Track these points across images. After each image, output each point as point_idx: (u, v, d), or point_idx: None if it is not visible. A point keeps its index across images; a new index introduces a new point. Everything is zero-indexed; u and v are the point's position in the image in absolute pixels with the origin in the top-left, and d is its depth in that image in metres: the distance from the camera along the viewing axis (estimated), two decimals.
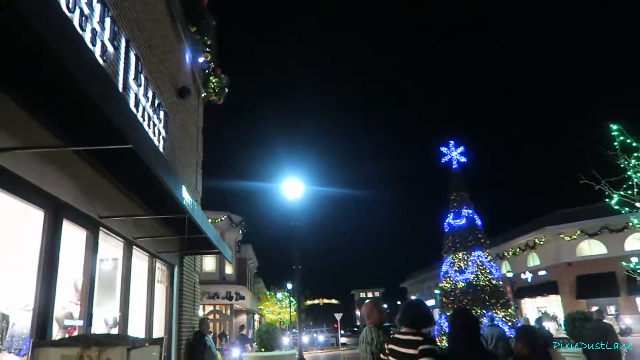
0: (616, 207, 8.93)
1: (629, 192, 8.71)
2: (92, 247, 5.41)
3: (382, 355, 3.96)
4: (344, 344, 37.99)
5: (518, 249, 45.16)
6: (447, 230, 23.81)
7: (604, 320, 8.19)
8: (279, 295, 42.79)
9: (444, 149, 24.45)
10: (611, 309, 36.97)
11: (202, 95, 11.99)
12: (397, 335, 3.82)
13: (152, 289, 7.80)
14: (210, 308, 31.86)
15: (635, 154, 8.62)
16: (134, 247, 6.84)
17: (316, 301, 64.68)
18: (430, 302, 59.06)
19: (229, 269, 33.11)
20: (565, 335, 11.21)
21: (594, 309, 31.77)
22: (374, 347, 4.26)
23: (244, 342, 15.87)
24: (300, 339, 11.52)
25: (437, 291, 31.95)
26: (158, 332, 8.11)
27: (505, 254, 46.48)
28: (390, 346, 3.78)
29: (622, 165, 8.72)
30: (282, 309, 41.93)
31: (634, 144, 8.64)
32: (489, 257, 24.03)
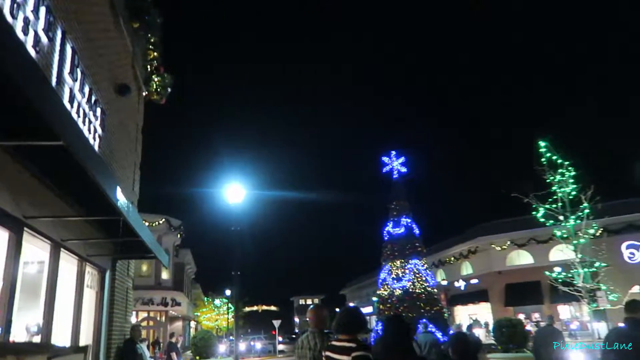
0: (542, 220, 9.49)
1: (554, 205, 9.28)
2: (14, 248, 5.07)
3: None
4: (281, 351, 37.76)
5: (453, 258, 46.87)
6: (386, 238, 24.35)
7: (554, 325, 8.69)
8: (217, 301, 41.90)
9: (385, 159, 25.06)
10: (536, 316, 39.07)
11: (144, 93, 11.60)
12: (333, 342, 3.85)
13: (80, 294, 7.41)
14: (144, 314, 30.70)
15: (560, 170, 9.22)
16: (62, 249, 6.48)
17: (255, 308, 63.92)
18: (368, 309, 59.91)
19: (165, 274, 32.09)
20: (493, 341, 11.72)
21: (521, 315, 33.26)
22: (317, 353, 4.21)
23: (170, 350, 15.22)
24: (236, 347, 11.32)
25: (374, 298, 32.51)
26: (85, 339, 7.71)
27: (441, 263, 48.10)
28: (327, 353, 3.79)
29: (548, 180, 9.30)
30: (219, 316, 41.06)
31: (559, 161, 9.24)
32: (425, 265, 24.79)
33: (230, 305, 40.13)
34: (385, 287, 24.20)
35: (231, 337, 45.82)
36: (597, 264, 9.53)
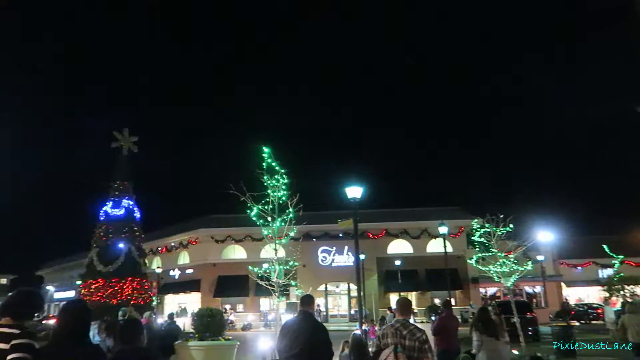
0: (254, 219, 10.36)
1: (266, 207, 10.25)
2: None
3: None
4: None
5: (172, 246, 46.72)
6: (102, 218, 22.61)
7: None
8: None
9: (117, 134, 23.28)
10: (239, 307, 42.16)
11: None
12: None
13: None
14: None
15: (276, 176, 10.27)
16: None
17: None
18: (70, 294, 54.49)
19: None
20: (192, 330, 12.18)
21: (227, 306, 35.31)
22: None
23: None
24: None
25: (78, 282, 29.74)
26: None
27: (160, 250, 47.35)
28: None
29: (265, 184, 10.23)
30: None
31: (277, 168, 10.30)
32: (141, 251, 23.97)
33: None
34: (92, 269, 22.42)
35: None
36: (291, 263, 10.88)
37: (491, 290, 40.66)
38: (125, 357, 3.61)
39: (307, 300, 6.04)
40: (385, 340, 5.01)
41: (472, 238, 17.16)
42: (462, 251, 38.33)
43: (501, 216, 14.94)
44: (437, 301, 30.82)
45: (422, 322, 24.28)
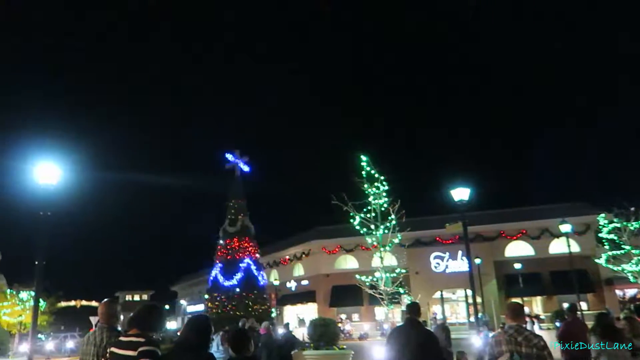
0: (357, 227, 10.42)
1: (368, 215, 10.26)
2: None
3: None
4: None
5: (287, 259, 48.50)
6: (221, 235, 24.23)
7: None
8: (24, 295, 37.09)
9: (229, 156, 24.93)
10: (355, 317, 42.39)
11: None
12: (121, 338, 3.76)
13: None
14: None
15: (375, 184, 10.25)
16: None
17: (72, 303, 58.28)
18: (199, 307, 58.64)
19: None
20: (308, 340, 12.47)
21: (342, 315, 35.71)
22: (101, 349, 4.11)
23: None
24: (32, 345, 10.17)
25: (206, 296, 32.05)
26: None
27: (275, 263, 49.40)
28: (112, 349, 3.69)
29: (366, 192, 10.26)
30: (24, 311, 36.37)
31: (376, 175, 10.29)
32: (259, 265, 25.25)
33: (40, 299, 35.93)
34: (216, 285, 24.06)
35: (42, 335, 41.18)
36: (397, 270, 10.76)
37: (630, 292, 36.40)
38: None
39: (413, 308, 6.00)
40: (499, 348, 4.77)
41: (600, 235, 15.67)
42: (590, 250, 34.94)
43: (632, 209, 13.43)
44: (565, 306, 28.30)
45: (547, 328, 22.47)
